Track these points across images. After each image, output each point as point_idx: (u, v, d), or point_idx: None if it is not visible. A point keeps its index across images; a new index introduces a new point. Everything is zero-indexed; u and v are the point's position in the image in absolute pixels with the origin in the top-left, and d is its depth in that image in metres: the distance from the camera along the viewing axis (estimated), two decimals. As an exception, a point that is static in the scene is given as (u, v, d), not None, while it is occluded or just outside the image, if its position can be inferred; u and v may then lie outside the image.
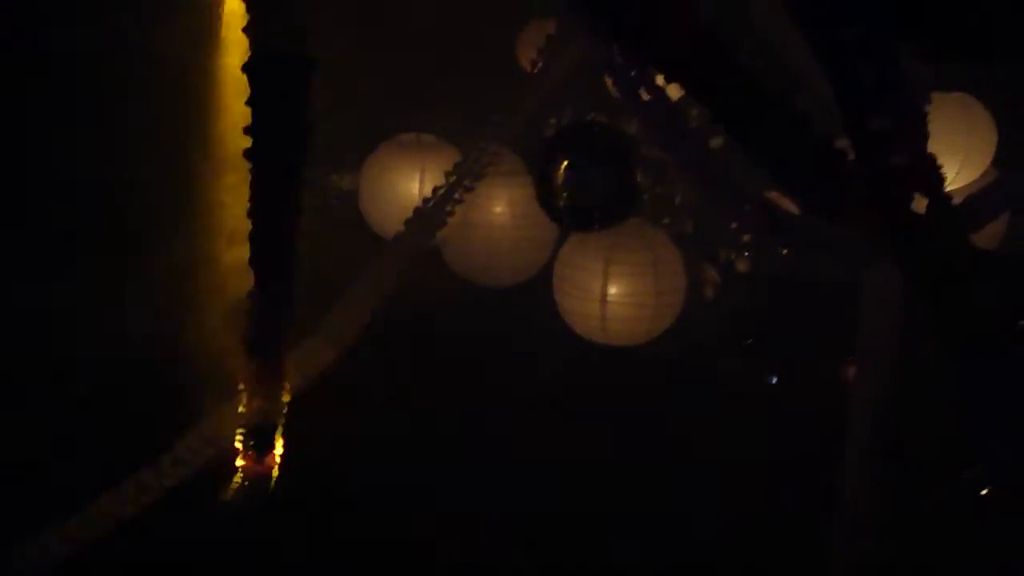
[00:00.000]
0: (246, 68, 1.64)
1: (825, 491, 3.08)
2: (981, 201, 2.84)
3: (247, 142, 1.66)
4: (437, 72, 3.89)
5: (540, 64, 3.33)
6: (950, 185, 3.11)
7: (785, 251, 3.11)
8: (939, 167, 1.58)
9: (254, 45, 1.64)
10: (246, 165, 1.68)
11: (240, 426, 1.79)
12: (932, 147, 2.92)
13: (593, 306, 3.01)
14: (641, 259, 2.95)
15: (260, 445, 1.79)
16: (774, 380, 4.45)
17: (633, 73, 2.16)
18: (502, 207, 3.48)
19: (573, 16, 2.39)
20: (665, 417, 4.19)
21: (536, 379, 4.26)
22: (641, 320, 2.97)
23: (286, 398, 1.81)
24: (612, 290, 2.97)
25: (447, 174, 3.26)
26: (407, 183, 3.45)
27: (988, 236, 3.23)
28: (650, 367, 3.54)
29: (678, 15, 1.69)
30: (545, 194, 2.84)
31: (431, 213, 3.28)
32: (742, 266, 3.35)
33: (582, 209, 2.77)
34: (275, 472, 1.80)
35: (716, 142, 2.37)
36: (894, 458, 2.99)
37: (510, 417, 4.19)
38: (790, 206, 2.27)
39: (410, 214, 3.25)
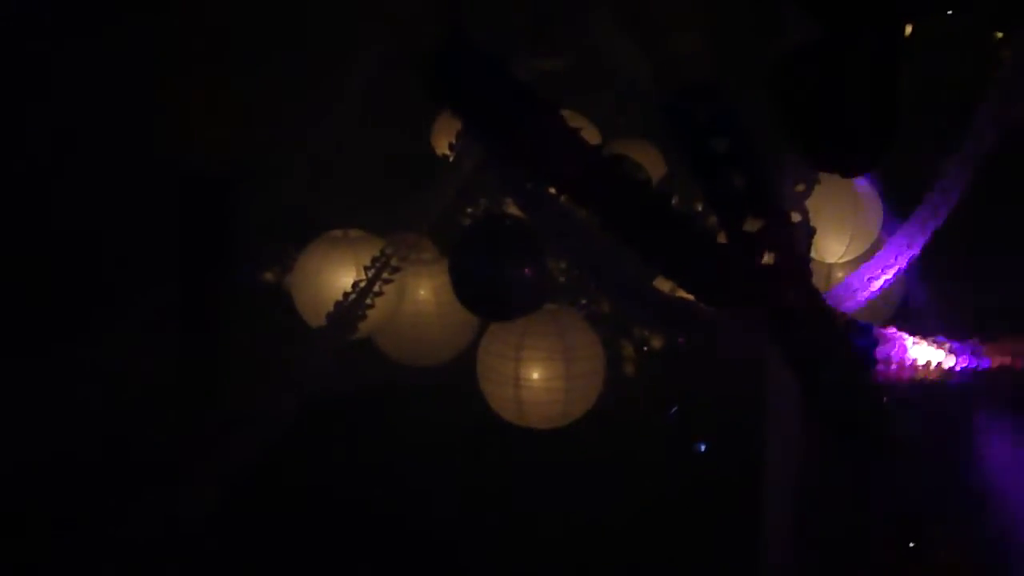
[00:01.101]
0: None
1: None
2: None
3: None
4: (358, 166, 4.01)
5: (454, 155, 3.49)
6: (841, 259, 3.32)
7: (680, 337, 3.26)
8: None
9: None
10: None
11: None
12: (823, 225, 3.12)
13: (508, 390, 3.11)
14: (552, 345, 3.06)
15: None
16: (674, 411, 4.60)
17: (528, 185, 2.29)
18: (426, 293, 3.60)
19: (471, 137, 2.54)
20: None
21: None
22: (554, 404, 3.08)
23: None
24: (524, 375, 3.06)
25: (366, 268, 3.37)
26: (338, 278, 3.54)
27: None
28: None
29: (567, 136, 1.83)
30: (460, 285, 2.94)
31: (352, 306, 3.39)
32: (656, 342, 3.48)
33: (496, 299, 2.88)
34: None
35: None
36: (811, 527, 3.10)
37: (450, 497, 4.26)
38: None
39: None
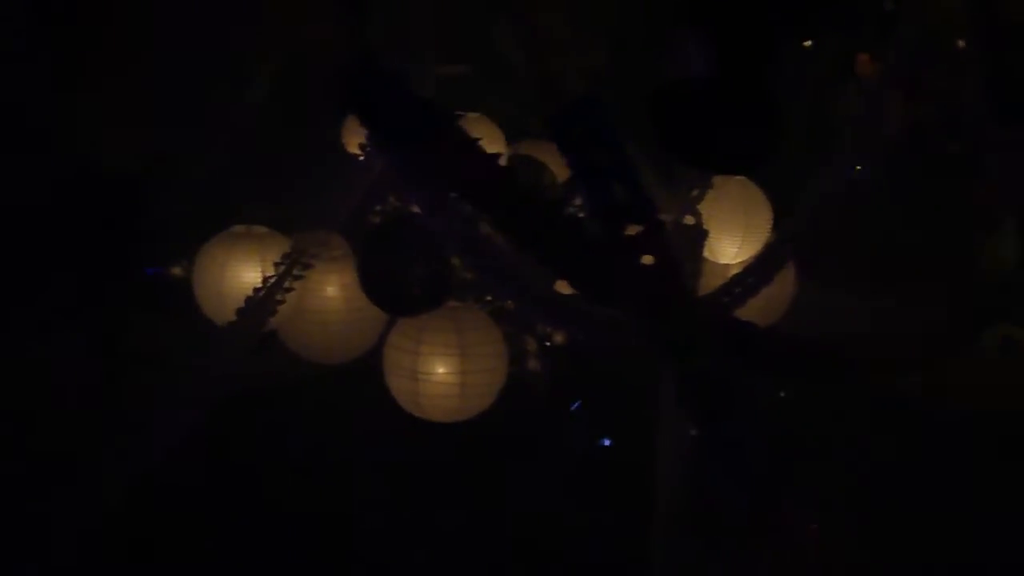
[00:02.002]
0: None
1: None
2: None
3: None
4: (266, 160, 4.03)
5: (364, 154, 3.56)
6: (735, 259, 3.50)
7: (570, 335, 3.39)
8: (679, 266, 1.86)
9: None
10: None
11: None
12: (716, 227, 3.30)
13: (408, 383, 3.21)
14: (449, 340, 3.16)
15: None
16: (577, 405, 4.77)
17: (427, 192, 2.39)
18: (334, 290, 3.65)
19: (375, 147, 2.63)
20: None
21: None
22: (450, 398, 3.18)
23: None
24: (422, 369, 3.17)
25: (276, 264, 3.41)
26: (242, 273, 3.56)
27: (777, 304, 3.62)
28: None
29: (466, 145, 1.94)
30: (366, 281, 3.03)
31: (261, 302, 3.43)
32: (559, 338, 3.61)
33: (401, 295, 2.97)
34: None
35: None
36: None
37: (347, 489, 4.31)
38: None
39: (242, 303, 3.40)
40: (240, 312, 3.40)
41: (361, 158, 3.61)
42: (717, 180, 3.28)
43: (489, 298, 3.72)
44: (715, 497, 2.34)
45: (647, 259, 1.79)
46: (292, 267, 3.45)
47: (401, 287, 2.91)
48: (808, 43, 4.64)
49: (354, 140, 3.94)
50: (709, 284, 3.17)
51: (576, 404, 5.00)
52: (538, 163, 3.53)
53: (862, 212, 3.51)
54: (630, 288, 1.84)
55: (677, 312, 1.86)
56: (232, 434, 4.18)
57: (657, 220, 1.88)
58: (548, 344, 3.64)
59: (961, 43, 3.01)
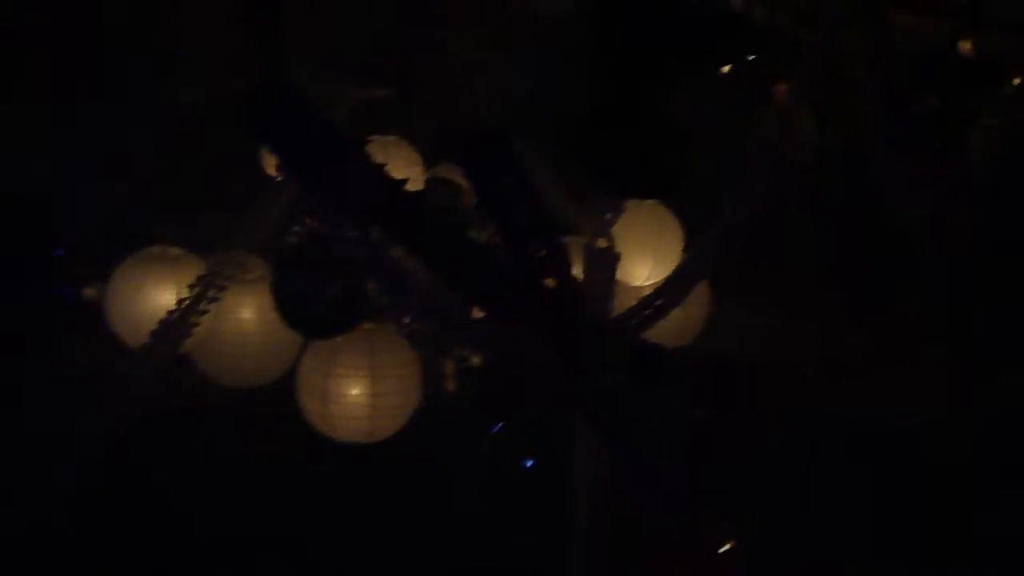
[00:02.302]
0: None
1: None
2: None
3: None
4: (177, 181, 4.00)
5: (282, 175, 3.55)
6: (647, 281, 3.58)
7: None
8: (581, 288, 1.91)
9: None
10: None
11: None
12: (629, 250, 3.37)
13: (319, 405, 3.21)
14: (360, 362, 3.17)
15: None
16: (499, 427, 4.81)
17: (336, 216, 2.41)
18: (250, 313, 3.63)
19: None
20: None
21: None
22: (360, 419, 3.19)
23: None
24: (332, 390, 3.18)
25: (190, 286, 3.37)
26: (157, 295, 3.52)
27: (691, 324, 3.70)
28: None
29: (373, 172, 1.96)
30: (280, 302, 3.02)
31: (176, 324, 3.39)
32: (476, 360, 3.63)
33: (315, 317, 2.96)
34: None
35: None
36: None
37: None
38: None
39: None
40: (154, 334, 3.36)
41: (278, 179, 3.62)
42: (630, 204, 3.35)
43: (407, 320, 3.74)
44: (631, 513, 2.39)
45: (550, 282, 1.84)
46: (207, 289, 3.42)
47: (315, 309, 2.90)
48: (726, 68, 4.79)
49: (272, 161, 3.94)
50: (622, 306, 3.23)
51: (498, 426, 5.03)
52: (455, 185, 3.57)
53: (772, 234, 3.62)
54: (534, 310, 1.88)
55: (581, 333, 1.90)
56: (146, 456, 4.11)
57: (560, 244, 1.93)
58: (466, 365, 3.68)
59: (861, 74, 3.14)
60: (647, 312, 2.76)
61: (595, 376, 1.96)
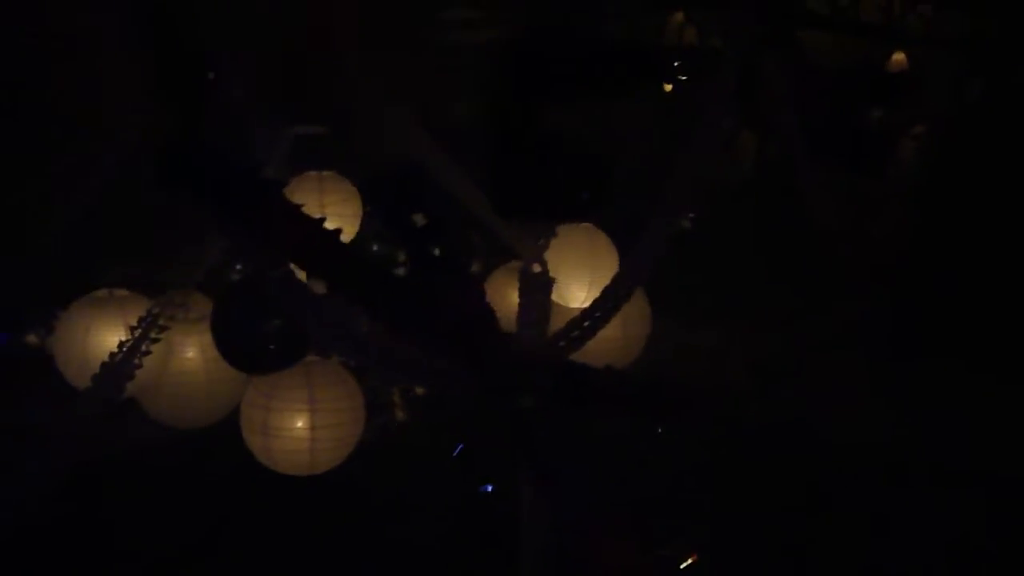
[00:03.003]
0: None
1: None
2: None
3: None
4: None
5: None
6: (583, 303, 3.63)
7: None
8: (494, 320, 1.96)
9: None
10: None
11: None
12: (564, 273, 3.43)
13: (262, 439, 3.24)
14: (299, 395, 3.20)
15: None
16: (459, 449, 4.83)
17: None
18: (194, 352, 3.63)
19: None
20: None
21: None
22: (300, 453, 3.22)
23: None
24: (272, 424, 3.21)
25: (132, 328, 3.38)
26: (106, 337, 3.52)
27: (631, 344, 3.76)
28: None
29: (291, 213, 2.01)
30: (221, 340, 3.05)
31: (118, 366, 3.39)
32: (420, 390, 3.68)
33: (255, 353, 3.00)
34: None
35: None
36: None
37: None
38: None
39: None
40: (96, 378, 3.36)
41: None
42: (563, 228, 3.41)
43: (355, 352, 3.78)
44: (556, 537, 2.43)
45: (462, 310, 1.89)
46: (149, 330, 3.43)
47: (255, 345, 2.94)
48: (669, 87, 4.91)
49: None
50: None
51: (459, 448, 5.06)
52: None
53: (704, 251, 3.70)
54: (447, 338, 1.93)
55: (495, 358, 1.96)
56: (93, 500, 4.10)
57: (469, 274, 1.98)
58: (411, 395, 3.72)
59: (779, 87, 3.23)
60: (575, 334, 2.81)
61: (513, 400, 2.01)
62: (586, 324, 2.81)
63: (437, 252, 1.90)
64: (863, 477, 4.12)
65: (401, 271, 2.17)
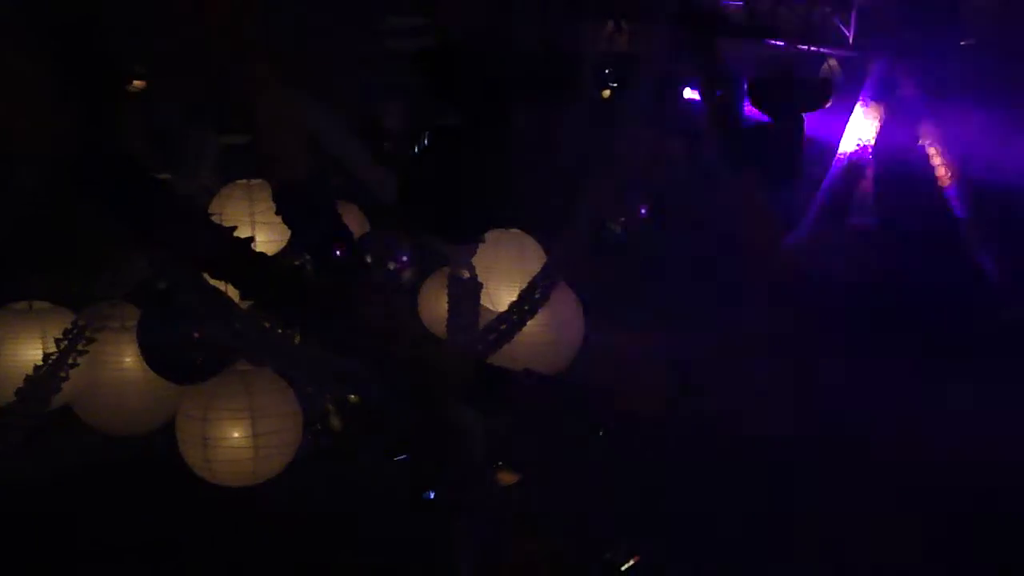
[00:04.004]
0: None
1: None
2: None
3: None
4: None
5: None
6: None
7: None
8: (401, 320, 1.99)
9: None
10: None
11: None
12: (494, 278, 3.46)
13: (199, 450, 3.20)
14: (239, 404, 3.15)
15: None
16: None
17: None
18: (131, 361, 3.60)
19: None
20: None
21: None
22: (242, 462, 3.18)
23: None
24: (211, 435, 3.17)
25: (57, 340, 3.35)
26: (23, 351, 3.48)
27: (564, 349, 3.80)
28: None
29: (203, 222, 2.03)
30: (147, 350, 3.04)
31: (45, 379, 3.36)
32: (353, 398, 3.67)
33: (181, 363, 2.99)
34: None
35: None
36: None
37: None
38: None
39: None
40: (19, 392, 3.33)
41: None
42: (492, 234, 3.45)
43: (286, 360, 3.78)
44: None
45: (369, 316, 1.92)
46: (76, 342, 3.40)
47: (179, 356, 2.93)
48: (607, 93, 4.97)
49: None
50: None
51: (403, 456, 5.04)
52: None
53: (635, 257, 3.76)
54: (357, 342, 1.96)
55: (406, 363, 1.99)
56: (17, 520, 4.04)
57: (375, 280, 2.02)
58: (348, 402, 3.71)
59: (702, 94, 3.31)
60: (492, 336, 2.85)
61: (427, 404, 2.04)
62: (503, 327, 2.85)
63: (345, 258, 1.92)
64: (779, 469, 4.21)
65: (312, 277, 2.19)
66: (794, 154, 3.45)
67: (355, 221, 4.24)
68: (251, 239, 2.03)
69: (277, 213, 1.99)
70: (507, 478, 3.25)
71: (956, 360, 4.87)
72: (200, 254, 2.00)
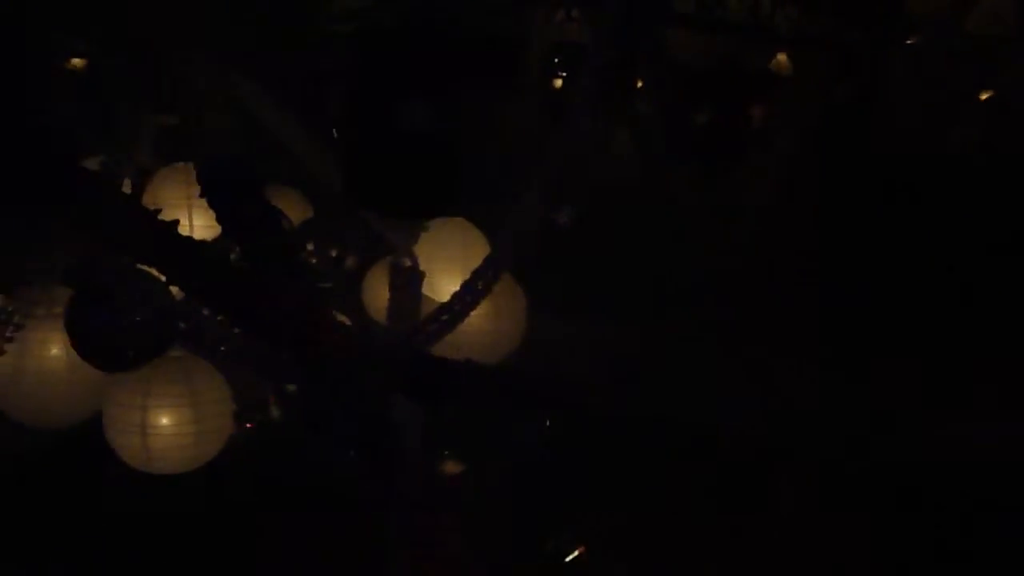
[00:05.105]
0: None
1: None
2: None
3: None
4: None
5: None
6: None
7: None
8: (326, 309, 1.95)
9: None
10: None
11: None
12: (436, 267, 3.42)
13: (136, 439, 3.14)
14: (180, 391, 3.13)
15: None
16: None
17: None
18: (58, 349, 3.50)
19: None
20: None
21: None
22: (185, 448, 3.15)
23: None
24: (152, 422, 3.11)
25: (-21, 328, 3.26)
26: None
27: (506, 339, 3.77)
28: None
29: (132, 209, 1.96)
30: (75, 336, 2.95)
31: (-32, 367, 3.26)
32: (291, 387, 3.61)
33: (112, 349, 2.90)
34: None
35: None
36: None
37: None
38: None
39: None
40: (-56, 380, 3.23)
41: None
42: (435, 222, 3.41)
43: (224, 348, 3.70)
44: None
45: (291, 302, 1.87)
46: (4, 328, 3.31)
47: (109, 342, 2.84)
48: (559, 82, 4.93)
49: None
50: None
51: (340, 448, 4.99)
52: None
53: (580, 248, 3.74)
54: (280, 330, 1.91)
55: (336, 351, 1.94)
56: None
57: (300, 264, 1.97)
58: (285, 391, 3.65)
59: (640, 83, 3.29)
60: (432, 327, 2.81)
61: (357, 396, 2.00)
62: (445, 317, 2.81)
63: (270, 243, 1.87)
64: (723, 463, 4.25)
65: (238, 262, 2.13)
66: (738, 146, 3.45)
67: (297, 207, 4.20)
68: (176, 222, 1.96)
69: (201, 196, 1.93)
70: (452, 468, 3.23)
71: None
72: (121, 237, 1.93)
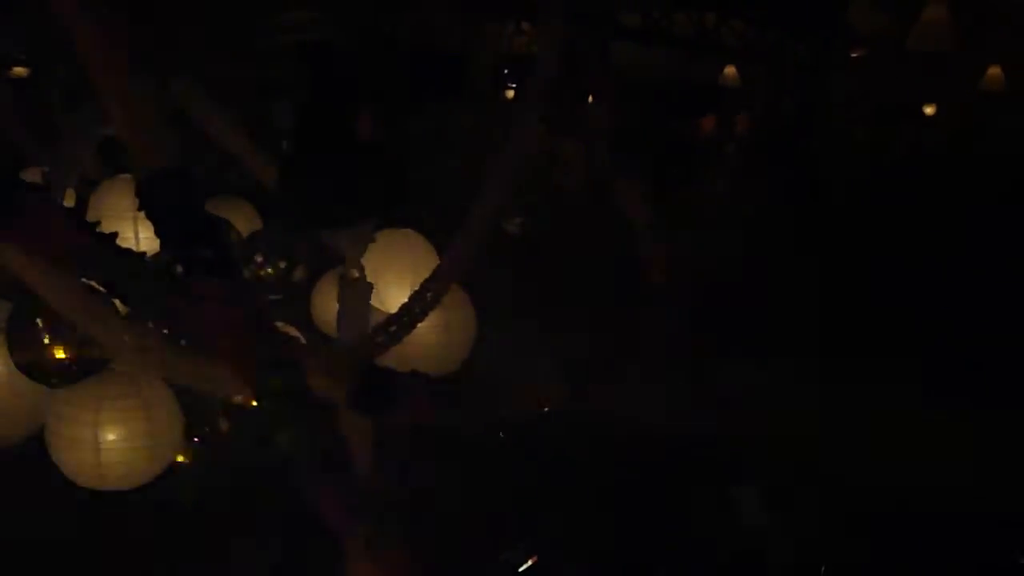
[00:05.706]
0: None
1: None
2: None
3: None
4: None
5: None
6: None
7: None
8: (259, 319, 1.94)
9: None
10: None
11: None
12: (385, 277, 3.41)
13: (88, 455, 3.08)
14: (131, 404, 3.07)
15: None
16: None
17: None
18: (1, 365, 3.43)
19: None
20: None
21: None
22: (138, 462, 3.09)
23: None
24: (105, 437, 3.06)
25: (-77, 341, 3.17)
26: None
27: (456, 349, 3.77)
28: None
29: (59, 215, 1.93)
30: (14, 350, 2.90)
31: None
32: (238, 399, 3.58)
33: (51, 364, 2.86)
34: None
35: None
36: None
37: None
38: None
39: None
40: None
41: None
42: (383, 233, 3.40)
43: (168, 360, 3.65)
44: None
45: (231, 315, 1.86)
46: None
47: (46, 357, 2.80)
48: (511, 94, 4.95)
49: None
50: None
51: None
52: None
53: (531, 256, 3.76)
54: (220, 343, 1.90)
55: (274, 362, 1.94)
56: None
57: (237, 277, 1.95)
58: (231, 403, 3.61)
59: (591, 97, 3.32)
60: (379, 339, 2.80)
61: (291, 407, 1.99)
62: (393, 329, 2.81)
63: (210, 256, 1.85)
64: (670, 467, 4.29)
65: (176, 273, 2.10)
66: (686, 158, 3.49)
67: (246, 219, 4.17)
68: (115, 234, 1.94)
69: (139, 209, 1.91)
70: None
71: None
72: (58, 249, 1.90)
